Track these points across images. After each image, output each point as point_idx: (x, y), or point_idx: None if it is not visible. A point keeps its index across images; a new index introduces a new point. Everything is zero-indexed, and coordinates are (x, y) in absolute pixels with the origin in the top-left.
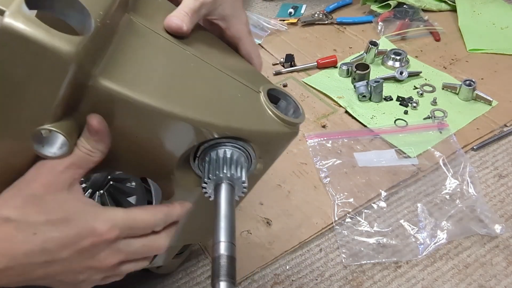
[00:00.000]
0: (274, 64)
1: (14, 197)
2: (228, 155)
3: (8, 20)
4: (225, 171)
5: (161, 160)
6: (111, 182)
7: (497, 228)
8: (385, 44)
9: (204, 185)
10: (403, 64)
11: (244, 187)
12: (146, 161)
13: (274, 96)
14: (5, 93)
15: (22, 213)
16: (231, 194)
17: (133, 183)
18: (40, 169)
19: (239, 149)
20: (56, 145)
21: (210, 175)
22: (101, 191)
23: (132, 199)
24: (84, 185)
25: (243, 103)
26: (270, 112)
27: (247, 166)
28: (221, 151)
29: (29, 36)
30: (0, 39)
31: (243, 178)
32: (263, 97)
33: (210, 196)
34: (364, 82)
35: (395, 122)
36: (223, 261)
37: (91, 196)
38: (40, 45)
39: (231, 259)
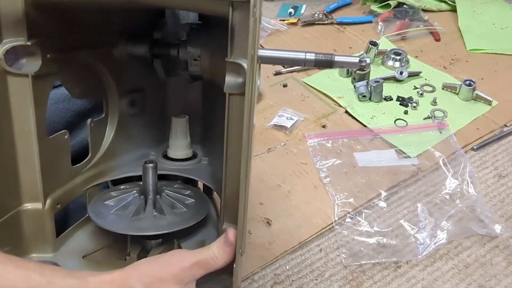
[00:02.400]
0: (274, 64)
1: (146, 275)
2: None
3: None
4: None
5: None
6: (165, 189)
7: (497, 228)
8: (385, 44)
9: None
10: (403, 64)
11: None
12: None
13: None
14: None
15: None
16: None
17: (189, 191)
18: (172, 258)
19: None
20: None
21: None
22: (156, 196)
23: (190, 203)
24: (135, 192)
25: None
26: None
27: None
28: None
29: None
30: None
31: None
32: None
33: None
34: (364, 82)
35: (395, 122)
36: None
37: (145, 202)
38: None
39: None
